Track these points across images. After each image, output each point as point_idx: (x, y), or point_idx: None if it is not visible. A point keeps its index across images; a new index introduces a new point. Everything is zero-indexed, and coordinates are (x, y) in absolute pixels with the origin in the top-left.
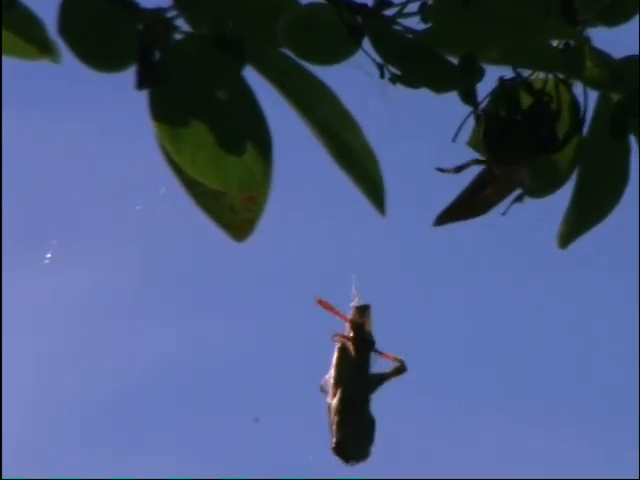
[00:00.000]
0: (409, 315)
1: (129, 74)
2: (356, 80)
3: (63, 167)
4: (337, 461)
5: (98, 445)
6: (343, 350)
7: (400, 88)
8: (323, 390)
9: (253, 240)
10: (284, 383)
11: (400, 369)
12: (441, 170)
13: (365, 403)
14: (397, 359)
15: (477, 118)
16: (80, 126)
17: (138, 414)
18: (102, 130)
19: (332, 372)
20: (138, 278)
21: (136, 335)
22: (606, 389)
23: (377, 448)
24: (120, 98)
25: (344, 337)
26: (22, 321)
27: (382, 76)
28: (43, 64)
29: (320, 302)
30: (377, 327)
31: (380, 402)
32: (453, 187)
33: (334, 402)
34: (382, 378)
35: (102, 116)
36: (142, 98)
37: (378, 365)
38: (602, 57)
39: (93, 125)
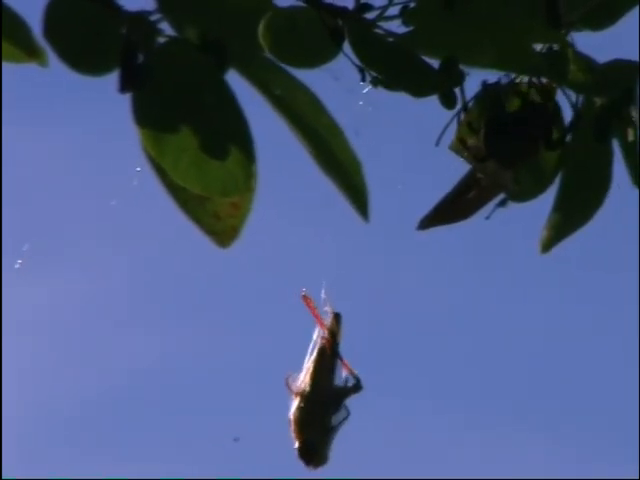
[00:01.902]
0: (387, 319)
1: (112, 77)
2: (329, 85)
3: (46, 172)
4: (299, 463)
5: (83, 449)
6: (323, 353)
7: (381, 91)
8: (289, 386)
9: (237, 247)
10: (267, 386)
11: (357, 387)
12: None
13: (331, 409)
14: (355, 376)
15: (469, 123)
16: (64, 130)
17: (124, 419)
18: (86, 135)
19: (308, 371)
20: (125, 284)
21: (123, 341)
22: (606, 390)
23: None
24: (104, 102)
25: (327, 340)
26: (7, 328)
27: (363, 79)
28: (24, 68)
29: (305, 298)
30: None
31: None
32: (436, 191)
33: (303, 401)
34: (344, 392)
35: (86, 120)
36: (126, 102)
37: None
38: (586, 61)
39: (77, 130)
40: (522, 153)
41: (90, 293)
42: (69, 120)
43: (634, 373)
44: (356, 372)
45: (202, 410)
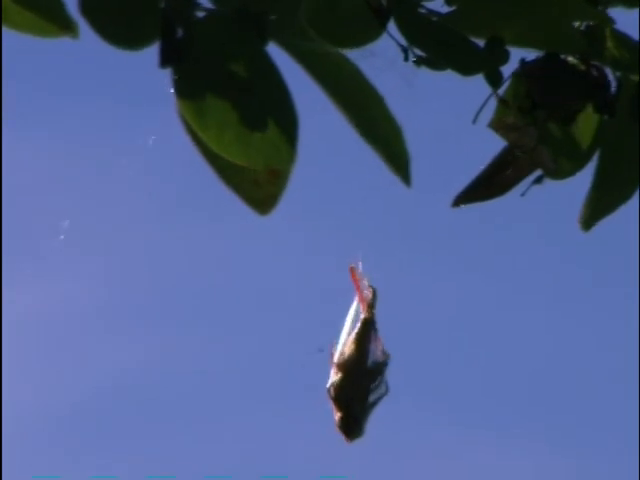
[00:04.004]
0: (408, 300)
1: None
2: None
3: (30, 176)
4: (339, 436)
5: (61, 456)
6: (366, 325)
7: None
8: (334, 361)
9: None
10: (252, 388)
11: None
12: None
13: (370, 383)
14: (384, 350)
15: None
16: (39, 136)
17: (101, 427)
18: (66, 141)
19: (352, 344)
20: (108, 289)
21: (108, 345)
22: (606, 390)
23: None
24: (76, 110)
25: (370, 313)
26: None
27: (406, 59)
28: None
29: (352, 270)
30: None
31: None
32: (471, 167)
33: (344, 375)
34: (382, 367)
35: (62, 127)
36: (103, 110)
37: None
38: (623, 38)
39: (55, 136)
40: (572, 108)
41: (75, 298)
42: (44, 127)
43: (634, 373)
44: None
45: (187, 412)
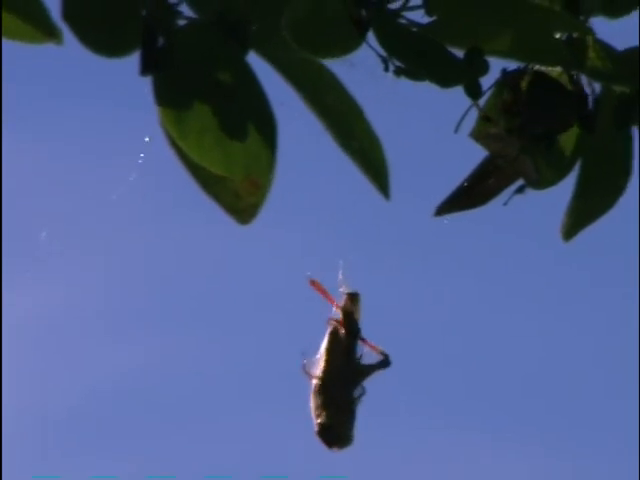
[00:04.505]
0: (400, 305)
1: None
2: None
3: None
4: (320, 446)
5: (60, 457)
6: (335, 334)
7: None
8: (306, 372)
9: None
10: (249, 390)
11: (384, 363)
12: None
13: (350, 389)
14: (382, 352)
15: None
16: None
17: (106, 426)
18: (65, 143)
19: (322, 355)
20: (101, 293)
21: (100, 350)
22: (602, 393)
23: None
24: (74, 112)
25: (337, 322)
26: None
27: (386, 69)
28: None
29: (313, 283)
30: (365, 317)
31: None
32: (453, 177)
33: (320, 383)
34: (367, 370)
35: (62, 129)
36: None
37: (364, 355)
38: (605, 48)
39: (54, 138)
40: (556, 129)
41: (74, 300)
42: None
43: (630, 375)
44: (381, 348)
45: (187, 413)
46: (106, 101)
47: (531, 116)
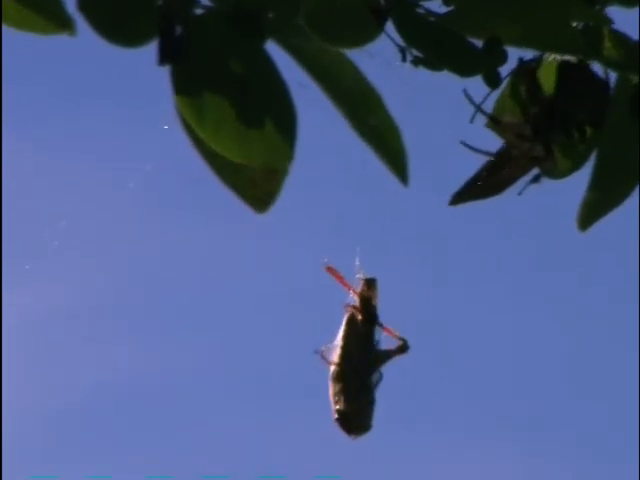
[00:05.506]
0: (415, 292)
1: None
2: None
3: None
4: (339, 433)
5: (59, 456)
6: (352, 320)
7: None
8: (324, 358)
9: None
10: (235, 394)
11: (403, 348)
12: (467, 146)
13: (369, 375)
14: (400, 337)
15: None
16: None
17: (100, 428)
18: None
19: (339, 341)
20: (100, 293)
21: (98, 349)
22: (599, 395)
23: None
24: (75, 111)
25: (355, 308)
26: None
27: (404, 59)
28: None
29: (329, 269)
30: (381, 303)
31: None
32: (468, 166)
33: (338, 370)
34: (386, 355)
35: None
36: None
37: (382, 341)
38: (621, 38)
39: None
40: (589, 121)
41: (72, 300)
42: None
43: (628, 376)
44: (399, 334)
45: (187, 414)
46: (106, 100)
47: (564, 107)
